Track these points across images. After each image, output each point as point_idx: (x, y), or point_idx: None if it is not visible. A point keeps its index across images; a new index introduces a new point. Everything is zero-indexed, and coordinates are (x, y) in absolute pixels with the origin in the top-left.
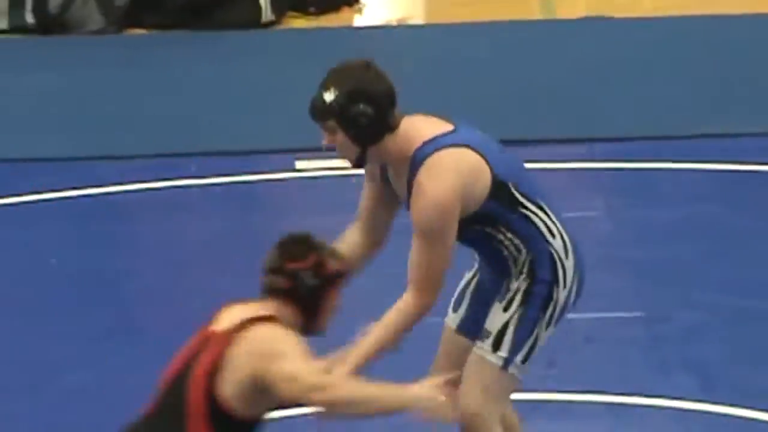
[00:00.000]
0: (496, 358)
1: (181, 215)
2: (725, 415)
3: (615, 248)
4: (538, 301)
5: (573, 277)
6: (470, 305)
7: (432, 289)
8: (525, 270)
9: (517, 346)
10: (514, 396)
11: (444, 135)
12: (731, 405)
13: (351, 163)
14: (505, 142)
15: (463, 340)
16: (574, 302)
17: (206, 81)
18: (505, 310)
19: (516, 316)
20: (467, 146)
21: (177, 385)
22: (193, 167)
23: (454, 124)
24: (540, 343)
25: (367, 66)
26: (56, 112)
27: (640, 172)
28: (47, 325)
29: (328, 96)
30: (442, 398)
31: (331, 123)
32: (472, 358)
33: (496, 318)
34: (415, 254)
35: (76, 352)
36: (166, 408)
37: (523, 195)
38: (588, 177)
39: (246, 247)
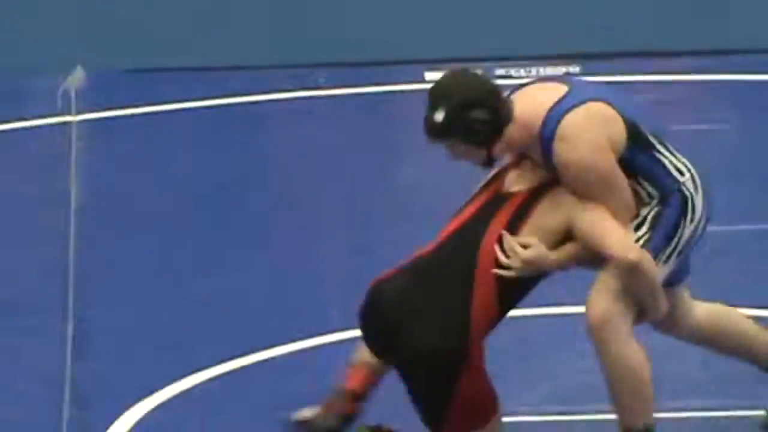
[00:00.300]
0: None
1: (310, 126)
2: None
3: (746, 161)
4: (663, 231)
5: (702, 213)
6: None
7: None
8: (655, 204)
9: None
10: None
11: (560, 101)
12: None
13: (480, 165)
14: (639, 55)
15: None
16: (697, 240)
17: None
18: (636, 229)
19: (644, 238)
20: (589, 100)
21: (467, 239)
22: (321, 78)
23: (568, 84)
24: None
25: (463, 72)
26: (185, 22)
27: None
28: (180, 234)
29: (439, 116)
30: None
31: (450, 140)
32: (605, 269)
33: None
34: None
35: (207, 259)
36: (455, 258)
37: (652, 135)
38: (721, 89)
39: (374, 159)
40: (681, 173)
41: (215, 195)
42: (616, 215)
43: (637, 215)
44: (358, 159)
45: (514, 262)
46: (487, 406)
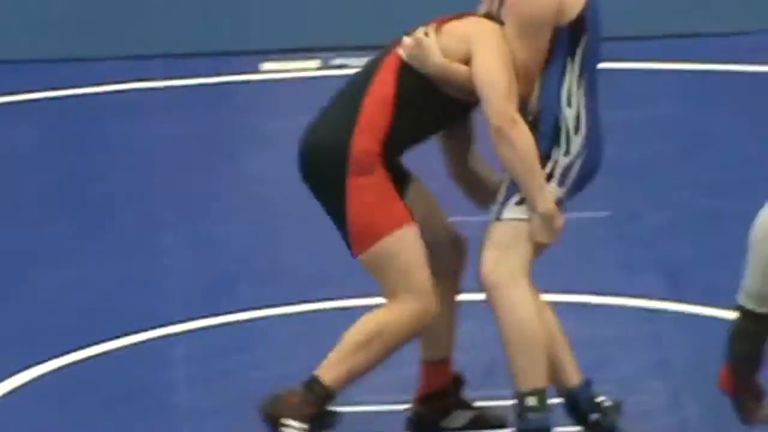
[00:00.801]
0: (493, 214)
1: (147, 117)
2: (692, 314)
3: None
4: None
5: (580, 150)
6: None
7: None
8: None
9: (509, 192)
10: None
11: None
12: (698, 304)
13: None
14: None
15: None
16: (583, 180)
17: None
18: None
19: None
20: None
21: (386, 50)
22: (158, 68)
23: None
24: None
25: None
26: (19, 12)
27: (609, 72)
28: (23, 226)
29: None
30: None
31: None
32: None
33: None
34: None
35: (49, 252)
36: (368, 65)
37: (584, 56)
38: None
39: (212, 148)
40: (569, 105)
41: (57, 187)
42: (517, 71)
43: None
44: (195, 150)
45: (408, 41)
46: (382, 212)
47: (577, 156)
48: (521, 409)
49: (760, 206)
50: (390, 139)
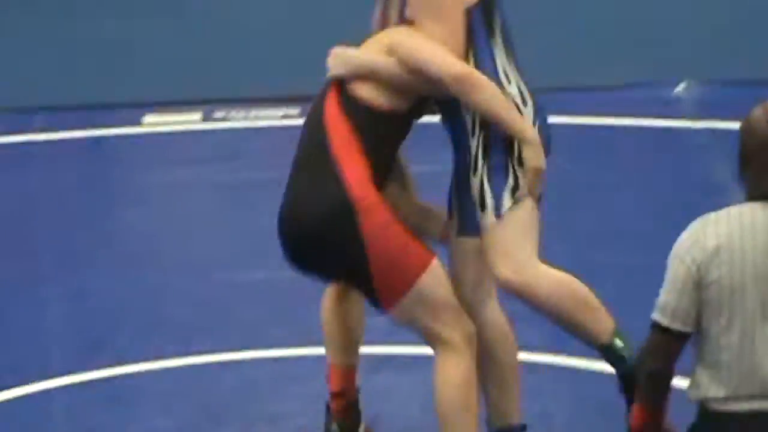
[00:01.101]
0: (489, 218)
1: (25, 170)
2: (574, 368)
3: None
4: (499, 143)
5: (534, 121)
6: (457, 204)
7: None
8: (478, 122)
9: (498, 192)
10: (363, 350)
11: None
12: (580, 357)
13: None
14: None
15: (471, 241)
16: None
17: (50, 35)
18: (474, 172)
19: (485, 170)
20: None
21: (316, 100)
22: (37, 122)
23: None
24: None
25: None
26: None
27: None
28: None
29: None
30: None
31: None
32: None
33: (473, 186)
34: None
35: None
36: (312, 115)
37: (501, 32)
38: (435, 129)
39: (91, 201)
40: (509, 82)
41: None
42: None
43: (469, 153)
44: (75, 203)
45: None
46: (407, 256)
47: (534, 126)
48: (615, 356)
49: (638, 259)
50: (372, 170)
